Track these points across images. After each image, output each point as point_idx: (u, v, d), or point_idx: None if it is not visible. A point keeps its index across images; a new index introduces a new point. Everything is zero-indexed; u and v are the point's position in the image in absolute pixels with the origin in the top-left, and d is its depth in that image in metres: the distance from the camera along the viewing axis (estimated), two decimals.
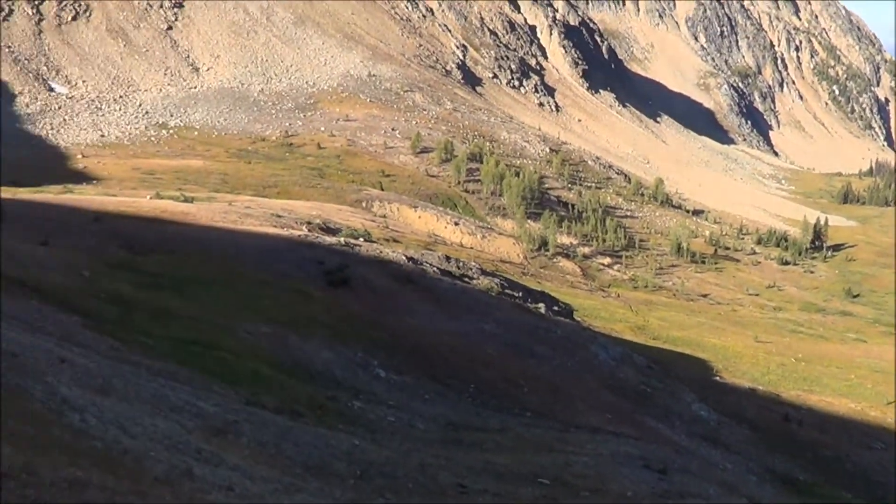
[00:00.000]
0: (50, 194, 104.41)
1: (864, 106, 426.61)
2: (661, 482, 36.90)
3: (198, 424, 32.13)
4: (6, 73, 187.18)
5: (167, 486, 19.65)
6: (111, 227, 77.43)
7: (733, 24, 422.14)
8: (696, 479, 37.45)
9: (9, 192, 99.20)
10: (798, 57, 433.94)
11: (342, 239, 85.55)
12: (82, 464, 18.04)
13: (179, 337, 50.03)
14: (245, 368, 48.14)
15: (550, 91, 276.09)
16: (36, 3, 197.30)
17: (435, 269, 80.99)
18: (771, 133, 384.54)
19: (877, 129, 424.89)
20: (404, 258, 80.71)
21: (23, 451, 16.80)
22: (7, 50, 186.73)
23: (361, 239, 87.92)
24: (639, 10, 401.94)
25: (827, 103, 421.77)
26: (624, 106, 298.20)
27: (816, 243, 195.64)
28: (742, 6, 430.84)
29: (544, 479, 35.78)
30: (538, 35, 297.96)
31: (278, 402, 43.44)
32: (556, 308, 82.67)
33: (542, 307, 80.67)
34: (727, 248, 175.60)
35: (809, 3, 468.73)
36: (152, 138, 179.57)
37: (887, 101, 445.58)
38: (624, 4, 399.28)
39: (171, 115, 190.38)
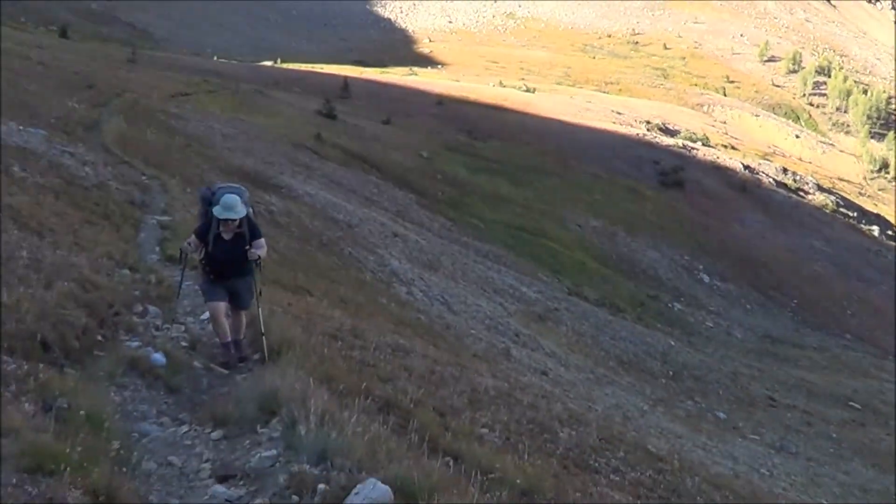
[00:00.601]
0: (395, 76, 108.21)
1: None
2: None
3: (519, 308, 32.89)
4: None
5: (485, 362, 20.24)
6: (452, 111, 79.56)
7: None
8: None
9: (355, 72, 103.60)
10: None
11: (680, 141, 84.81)
12: (405, 333, 18.82)
13: (510, 222, 51.20)
14: (571, 259, 48.77)
15: None
16: None
17: (770, 179, 79.15)
18: None
19: None
20: (741, 166, 79.34)
21: (352, 315, 17.68)
22: None
23: (699, 143, 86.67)
24: None
25: None
26: None
27: None
28: None
29: (855, 404, 34.46)
30: None
31: (600, 296, 43.84)
32: (889, 233, 78.78)
33: (875, 230, 77.15)
34: None
35: None
36: (499, 27, 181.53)
37: None
38: None
39: (519, 6, 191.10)
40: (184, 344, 11.17)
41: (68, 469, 5.37)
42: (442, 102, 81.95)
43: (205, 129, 45.51)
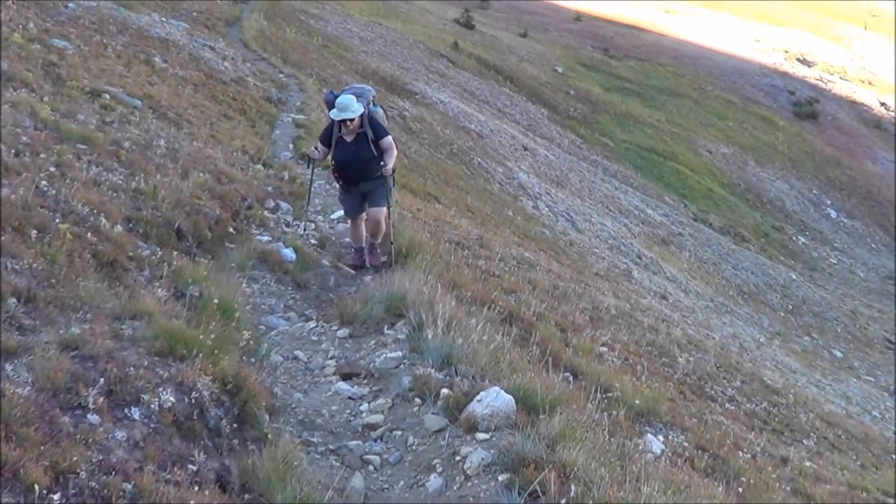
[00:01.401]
0: None
1: None
2: None
3: (643, 231, 32.68)
4: None
5: (606, 281, 20.18)
6: (590, 27, 78.67)
7: None
8: None
9: None
10: None
11: (817, 72, 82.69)
12: (530, 246, 18.84)
13: (640, 143, 50.68)
14: (699, 185, 48.16)
15: None
16: None
17: None
18: None
19: None
20: (877, 102, 77.29)
21: (479, 225, 17.74)
22: None
23: (836, 75, 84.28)
24: None
25: None
26: None
27: None
28: None
29: None
30: None
31: (725, 223, 43.31)
32: None
33: None
34: None
35: None
36: None
37: None
38: None
39: None
40: (313, 242, 11.34)
41: (200, 355, 5.48)
42: (580, 18, 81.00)
43: (343, 32, 45.72)
